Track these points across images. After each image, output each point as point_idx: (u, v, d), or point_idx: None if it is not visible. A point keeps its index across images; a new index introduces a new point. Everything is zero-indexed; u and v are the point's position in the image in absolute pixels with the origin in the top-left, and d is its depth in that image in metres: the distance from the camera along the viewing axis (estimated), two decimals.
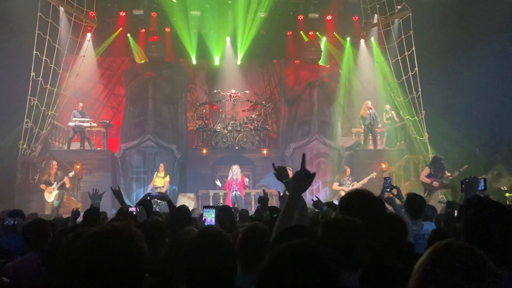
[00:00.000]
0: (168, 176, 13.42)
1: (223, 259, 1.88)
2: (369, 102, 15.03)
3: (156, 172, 13.52)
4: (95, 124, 14.92)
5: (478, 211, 2.01)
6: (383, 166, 14.36)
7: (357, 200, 2.37)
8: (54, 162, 12.62)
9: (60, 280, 2.10)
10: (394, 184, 5.48)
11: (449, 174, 11.91)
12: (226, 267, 1.89)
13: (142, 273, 1.51)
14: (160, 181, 13.12)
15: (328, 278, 1.32)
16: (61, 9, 14.49)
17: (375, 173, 12.79)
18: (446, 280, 1.15)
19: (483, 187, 3.56)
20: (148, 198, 5.29)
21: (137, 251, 1.50)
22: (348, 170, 13.08)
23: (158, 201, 10.44)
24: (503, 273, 1.45)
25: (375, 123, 15.07)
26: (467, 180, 3.45)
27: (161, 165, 13.50)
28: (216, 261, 1.86)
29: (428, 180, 11.92)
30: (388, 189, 5.17)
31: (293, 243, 1.38)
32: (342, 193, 12.64)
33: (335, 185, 13.03)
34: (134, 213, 4.70)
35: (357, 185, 12.48)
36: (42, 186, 12.23)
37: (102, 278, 1.43)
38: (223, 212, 4.68)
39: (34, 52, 13.39)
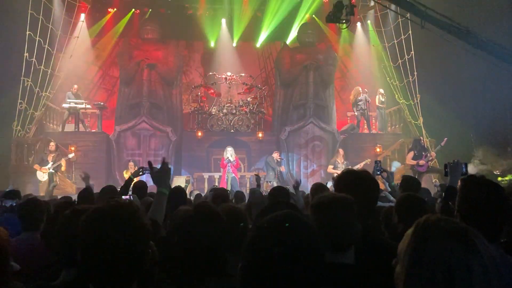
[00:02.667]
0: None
1: (216, 233, 1.91)
2: (359, 88, 15.05)
3: (125, 170, 13.27)
4: (89, 106, 14.84)
5: (473, 188, 2.04)
6: (378, 149, 14.44)
7: (352, 178, 2.36)
8: (52, 143, 12.56)
9: (58, 257, 2.11)
10: (385, 168, 5.56)
11: (433, 153, 12.20)
12: (219, 241, 1.92)
13: (147, 248, 1.52)
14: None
15: (314, 243, 1.32)
16: None
17: (369, 159, 12.89)
18: (440, 254, 1.16)
19: (464, 171, 3.59)
20: (141, 173, 5.21)
21: (141, 226, 1.52)
22: (341, 151, 13.17)
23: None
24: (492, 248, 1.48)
25: (368, 107, 15.13)
26: (451, 164, 3.48)
27: (130, 163, 13.29)
28: (209, 234, 1.89)
29: (414, 162, 12.18)
30: (378, 172, 5.24)
31: (275, 214, 1.38)
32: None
33: (330, 168, 13.11)
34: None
35: (354, 167, 12.57)
36: (36, 166, 12.20)
37: (107, 251, 1.44)
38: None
39: (28, 33, 13.23)
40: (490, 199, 1.99)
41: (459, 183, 2.22)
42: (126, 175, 12.86)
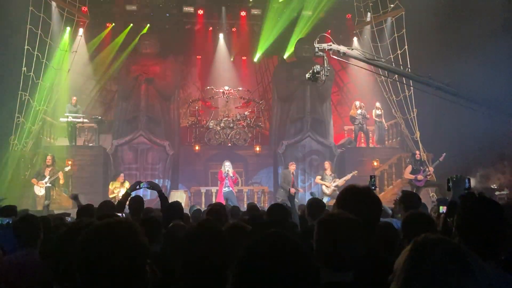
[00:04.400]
0: (126, 183, 12.59)
1: (218, 252, 1.91)
2: (357, 103, 15.12)
3: (112, 182, 12.95)
4: (86, 120, 14.82)
5: (473, 207, 2.04)
6: (375, 163, 14.45)
7: (354, 195, 2.33)
8: (49, 157, 12.51)
9: (55, 276, 2.10)
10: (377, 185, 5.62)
11: (431, 168, 12.22)
12: (221, 260, 1.91)
13: (144, 266, 1.52)
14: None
15: (303, 260, 1.33)
16: (53, 3, 14.38)
17: (356, 171, 12.91)
18: (435, 273, 1.18)
19: (467, 186, 3.60)
20: (138, 187, 5.22)
21: (139, 244, 1.52)
22: (328, 164, 13.20)
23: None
24: (488, 267, 1.48)
25: (365, 121, 15.21)
26: (454, 179, 3.49)
27: (121, 175, 12.99)
28: (212, 253, 1.89)
29: (412, 176, 12.19)
30: (373, 187, 5.26)
31: (264, 233, 1.39)
32: (324, 188, 12.73)
33: (317, 178, 13.24)
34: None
35: (338, 181, 12.61)
36: (33, 180, 12.15)
37: (105, 270, 1.44)
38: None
39: (26, 47, 13.27)
40: (489, 217, 1.99)
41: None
42: (112, 187, 12.74)
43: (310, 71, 9.95)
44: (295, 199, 13.44)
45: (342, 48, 10.11)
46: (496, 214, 2.02)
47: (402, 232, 3.10)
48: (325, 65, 9.87)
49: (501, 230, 1.99)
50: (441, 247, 1.22)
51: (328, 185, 12.77)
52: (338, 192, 2.70)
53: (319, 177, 13.20)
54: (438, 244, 1.23)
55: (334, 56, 10.50)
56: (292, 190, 11.78)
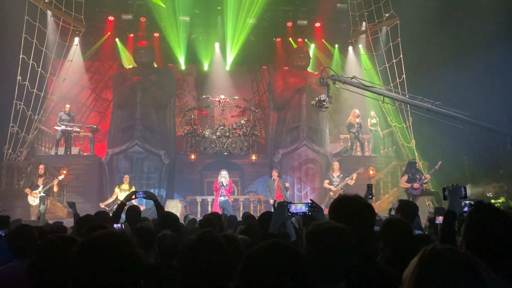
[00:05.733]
0: (133, 188, 12.70)
1: (220, 263, 1.89)
2: (357, 111, 15.16)
3: (118, 185, 13.05)
4: (78, 130, 14.74)
5: (479, 217, 2.00)
6: (371, 172, 14.46)
7: (346, 206, 2.30)
8: (41, 166, 12.43)
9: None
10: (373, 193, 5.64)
11: (428, 176, 12.24)
12: (222, 271, 1.89)
13: (139, 278, 1.51)
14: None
15: (302, 270, 1.33)
16: (49, 12, 14.40)
17: (362, 168, 13.11)
18: (444, 283, 1.16)
19: (463, 195, 3.59)
20: (133, 197, 5.17)
21: (134, 256, 1.51)
22: (336, 165, 13.22)
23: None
24: (497, 279, 1.46)
25: (361, 130, 15.27)
26: (450, 188, 3.47)
27: (126, 176, 13.17)
28: (213, 265, 1.87)
29: (408, 185, 12.19)
30: (370, 196, 5.27)
31: (263, 243, 1.41)
32: (331, 194, 12.75)
33: (325, 183, 13.31)
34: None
35: (346, 180, 12.63)
36: (27, 190, 12.06)
37: (99, 282, 1.43)
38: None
39: (21, 56, 13.27)
40: (498, 228, 1.95)
41: (466, 210, 2.18)
42: (118, 189, 12.76)
43: (316, 99, 11.29)
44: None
45: (343, 79, 11.34)
46: (507, 226, 1.98)
47: (381, 240, 3.09)
48: (329, 94, 11.13)
49: (510, 241, 1.95)
50: (449, 256, 1.22)
51: (333, 190, 12.76)
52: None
53: (327, 181, 13.24)
54: (446, 254, 1.23)
55: (336, 86, 11.54)
56: (271, 201, 12.18)
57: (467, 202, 3.86)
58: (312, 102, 11.62)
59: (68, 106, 14.64)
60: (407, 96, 11.78)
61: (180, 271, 1.92)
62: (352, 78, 11.37)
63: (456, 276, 1.17)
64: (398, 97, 12.19)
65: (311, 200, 2.89)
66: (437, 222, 5.04)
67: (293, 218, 6.37)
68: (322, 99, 11.05)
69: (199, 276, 1.86)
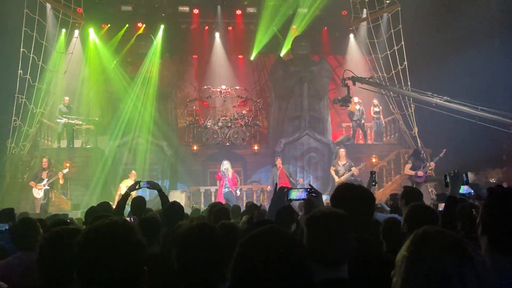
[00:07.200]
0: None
1: (214, 250, 1.92)
2: (356, 98, 15.11)
3: (125, 180, 12.90)
4: (80, 122, 14.75)
5: (498, 199, 1.95)
6: (373, 160, 14.47)
7: (347, 193, 2.37)
8: (45, 159, 12.48)
9: (50, 279, 2.10)
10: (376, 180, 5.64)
11: (432, 163, 12.21)
12: (218, 258, 1.92)
13: (143, 265, 1.53)
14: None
15: (298, 255, 1.34)
16: (48, 5, 14.34)
17: (364, 164, 13.11)
18: (435, 265, 1.18)
19: (465, 180, 3.61)
20: (137, 187, 5.17)
21: (137, 243, 1.53)
22: (342, 152, 13.18)
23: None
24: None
25: (363, 118, 15.23)
26: (451, 174, 3.48)
27: (133, 172, 13.07)
28: (207, 252, 1.90)
29: (412, 172, 12.17)
30: (373, 184, 5.26)
31: (258, 230, 1.41)
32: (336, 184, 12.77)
33: (331, 170, 13.36)
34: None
35: (349, 173, 12.63)
36: (32, 183, 12.12)
37: (103, 269, 1.45)
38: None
39: (22, 49, 13.26)
40: None
41: (485, 193, 2.15)
42: (123, 184, 12.74)
43: (340, 97, 12.37)
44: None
45: (362, 80, 12.07)
46: None
47: (406, 226, 3.09)
48: (349, 94, 12.02)
49: None
50: (440, 239, 1.23)
51: (337, 180, 12.75)
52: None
53: (333, 168, 13.24)
54: (437, 236, 1.25)
55: (355, 86, 12.18)
56: (268, 188, 12.58)
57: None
58: (335, 100, 12.75)
59: (67, 98, 14.63)
60: (419, 93, 11.95)
61: (177, 258, 1.96)
62: (369, 79, 12.09)
63: (446, 256, 1.18)
64: (410, 94, 12.52)
65: (309, 185, 2.93)
66: (440, 210, 5.05)
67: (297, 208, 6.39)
68: (346, 98, 12.01)
69: (194, 264, 1.90)
